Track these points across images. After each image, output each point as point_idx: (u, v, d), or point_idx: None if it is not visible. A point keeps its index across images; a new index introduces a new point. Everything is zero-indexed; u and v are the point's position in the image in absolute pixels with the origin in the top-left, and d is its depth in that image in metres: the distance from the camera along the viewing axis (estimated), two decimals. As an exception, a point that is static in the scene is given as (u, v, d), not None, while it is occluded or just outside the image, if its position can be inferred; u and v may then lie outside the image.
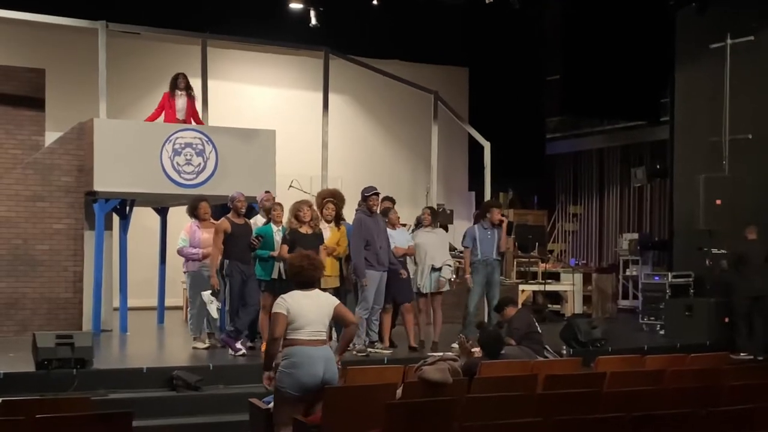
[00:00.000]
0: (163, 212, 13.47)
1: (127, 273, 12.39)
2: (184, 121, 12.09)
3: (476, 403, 6.09)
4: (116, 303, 12.37)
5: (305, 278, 6.55)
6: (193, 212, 10.76)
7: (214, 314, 10.30)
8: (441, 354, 7.16)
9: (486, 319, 11.37)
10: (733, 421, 5.61)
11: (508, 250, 16.61)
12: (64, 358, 8.50)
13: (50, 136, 12.45)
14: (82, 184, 11.85)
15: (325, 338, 6.53)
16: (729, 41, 12.90)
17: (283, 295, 6.55)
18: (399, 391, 6.61)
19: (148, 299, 13.82)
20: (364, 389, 6.51)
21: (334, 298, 6.78)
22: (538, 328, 9.94)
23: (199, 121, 12.51)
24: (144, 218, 13.79)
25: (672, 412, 5.62)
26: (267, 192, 11.15)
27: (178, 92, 12.03)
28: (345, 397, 6.42)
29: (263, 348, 6.65)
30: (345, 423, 6.20)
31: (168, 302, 13.63)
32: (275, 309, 6.47)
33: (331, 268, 10.40)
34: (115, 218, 12.30)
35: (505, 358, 8.36)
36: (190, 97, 12.17)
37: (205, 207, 10.75)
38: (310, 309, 6.43)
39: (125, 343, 11.44)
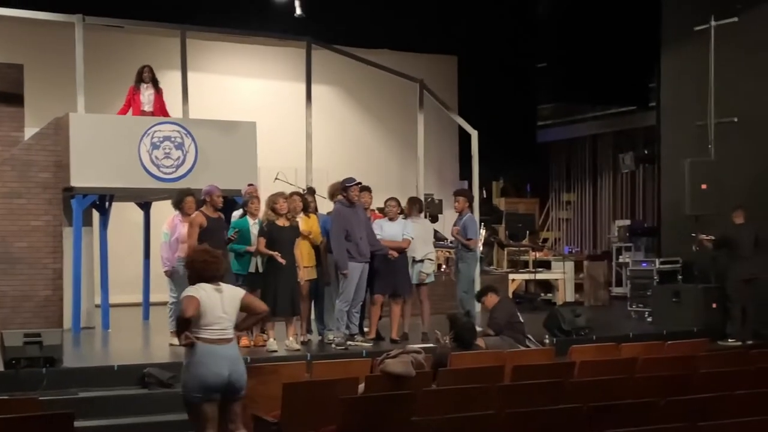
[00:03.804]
0: (146, 207, 13.35)
1: (112, 269, 12.34)
2: (152, 113, 11.96)
3: (434, 396, 5.97)
4: (99, 300, 12.27)
5: (212, 272, 6.29)
6: (178, 205, 10.64)
7: None
8: (403, 347, 7.04)
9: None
10: (695, 410, 5.47)
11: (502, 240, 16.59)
12: (32, 357, 8.40)
13: (30, 132, 12.36)
14: (60, 180, 11.75)
15: (231, 336, 6.27)
16: (713, 23, 12.70)
17: (194, 285, 6.26)
18: (361, 386, 6.50)
19: (137, 295, 13.70)
20: (324, 384, 6.39)
21: (239, 289, 6.55)
22: (520, 318, 9.86)
23: (166, 115, 12.30)
24: (130, 213, 13.68)
25: (630, 402, 5.48)
26: (251, 185, 11.04)
27: (144, 85, 11.92)
28: (305, 392, 6.31)
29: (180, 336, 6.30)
30: (304, 419, 6.10)
31: (155, 298, 13.48)
32: (190, 293, 6.18)
33: (308, 258, 10.32)
34: (95, 214, 12.20)
35: (479, 349, 8.26)
36: (157, 90, 12.03)
37: (190, 202, 10.55)
38: (219, 306, 6.20)
39: (104, 341, 11.36)
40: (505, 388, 6.18)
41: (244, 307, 6.39)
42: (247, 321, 6.59)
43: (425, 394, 6.01)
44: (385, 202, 10.93)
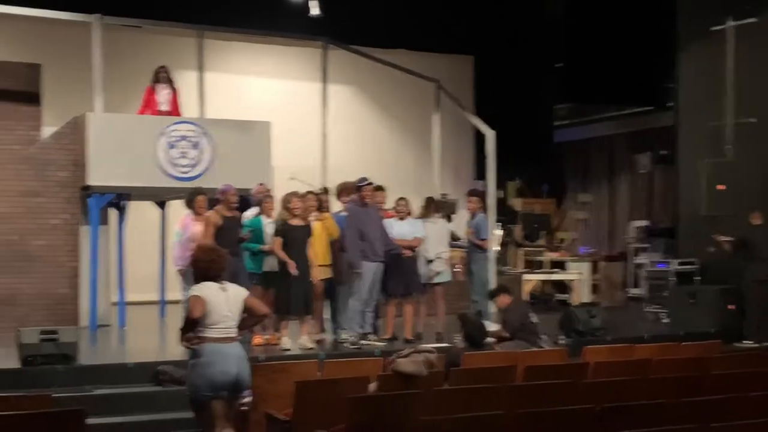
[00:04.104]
0: (163, 205, 13.41)
1: (130, 267, 12.42)
2: (169, 113, 12.02)
3: (444, 396, 5.96)
4: (116, 298, 12.33)
5: (217, 270, 6.33)
6: (190, 204, 10.70)
7: None
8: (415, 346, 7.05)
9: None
10: (707, 411, 5.45)
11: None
12: (48, 354, 8.47)
13: (48, 132, 12.42)
14: (77, 179, 11.81)
15: (235, 335, 6.32)
16: (731, 23, 12.63)
17: (198, 285, 6.29)
18: (373, 385, 6.50)
19: (153, 293, 13.77)
20: (335, 383, 6.40)
21: (243, 290, 6.55)
22: (533, 318, 9.82)
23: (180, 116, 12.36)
24: (148, 212, 13.74)
25: (643, 403, 5.46)
26: (261, 184, 11.07)
27: (160, 85, 11.99)
28: (317, 390, 6.33)
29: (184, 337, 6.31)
30: (316, 417, 6.11)
31: (171, 296, 13.53)
32: (195, 292, 6.21)
33: (323, 257, 10.33)
34: (113, 212, 12.27)
35: (489, 348, 8.26)
36: (173, 90, 12.08)
37: (201, 201, 10.61)
38: (224, 305, 6.23)
39: (119, 338, 11.42)
40: (516, 388, 6.18)
41: (246, 308, 6.42)
42: (246, 322, 6.60)
43: (436, 393, 6.02)
44: (396, 202, 10.94)
